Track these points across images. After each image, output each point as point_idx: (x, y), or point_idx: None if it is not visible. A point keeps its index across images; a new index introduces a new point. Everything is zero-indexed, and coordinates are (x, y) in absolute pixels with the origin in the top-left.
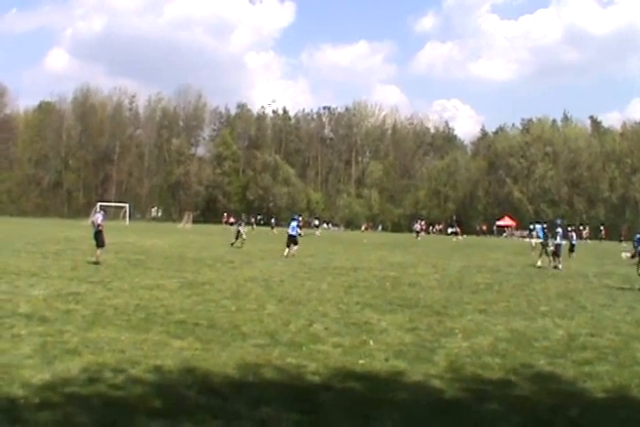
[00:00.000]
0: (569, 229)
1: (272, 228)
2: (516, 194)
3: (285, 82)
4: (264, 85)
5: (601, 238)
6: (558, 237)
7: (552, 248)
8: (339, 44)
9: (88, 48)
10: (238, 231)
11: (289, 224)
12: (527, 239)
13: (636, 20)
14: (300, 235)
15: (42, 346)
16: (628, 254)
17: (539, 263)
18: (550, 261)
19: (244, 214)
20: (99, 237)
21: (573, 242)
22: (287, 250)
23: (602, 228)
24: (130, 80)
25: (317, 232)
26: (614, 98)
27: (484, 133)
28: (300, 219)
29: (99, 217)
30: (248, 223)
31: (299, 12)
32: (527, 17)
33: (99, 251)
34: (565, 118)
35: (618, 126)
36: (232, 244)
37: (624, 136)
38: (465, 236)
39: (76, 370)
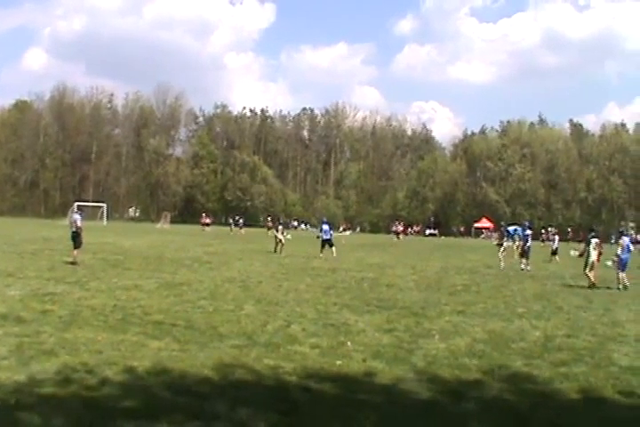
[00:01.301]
0: (549, 231)
1: (240, 228)
2: (494, 196)
3: (265, 83)
4: (244, 86)
5: (568, 240)
6: (529, 240)
7: (525, 249)
8: (318, 45)
9: (67, 47)
10: (275, 237)
11: (320, 228)
12: (506, 242)
13: (611, 25)
14: (332, 235)
15: (18, 347)
16: (577, 253)
17: (522, 266)
18: (501, 260)
19: (280, 217)
20: (76, 238)
21: (555, 246)
22: (322, 251)
23: (569, 229)
24: (110, 80)
25: (347, 233)
26: (591, 101)
27: (466, 136)
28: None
29: (77, 218)
30: (287, 227)
31: (279, 13)
32: (505, 20)
33: (75, 251)
34: (541, 121)
35: (594, 129)
36: (275, 250)
37: (603, 138)
38: (443, 236)
39: (53, 371)
